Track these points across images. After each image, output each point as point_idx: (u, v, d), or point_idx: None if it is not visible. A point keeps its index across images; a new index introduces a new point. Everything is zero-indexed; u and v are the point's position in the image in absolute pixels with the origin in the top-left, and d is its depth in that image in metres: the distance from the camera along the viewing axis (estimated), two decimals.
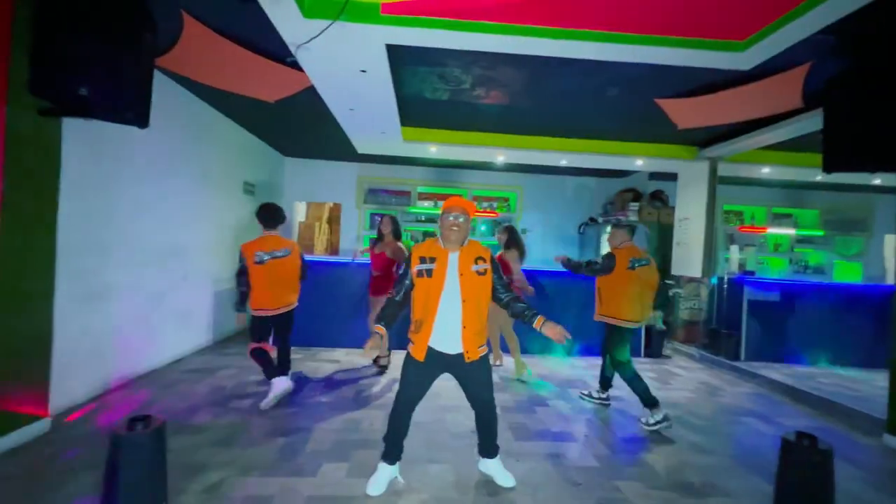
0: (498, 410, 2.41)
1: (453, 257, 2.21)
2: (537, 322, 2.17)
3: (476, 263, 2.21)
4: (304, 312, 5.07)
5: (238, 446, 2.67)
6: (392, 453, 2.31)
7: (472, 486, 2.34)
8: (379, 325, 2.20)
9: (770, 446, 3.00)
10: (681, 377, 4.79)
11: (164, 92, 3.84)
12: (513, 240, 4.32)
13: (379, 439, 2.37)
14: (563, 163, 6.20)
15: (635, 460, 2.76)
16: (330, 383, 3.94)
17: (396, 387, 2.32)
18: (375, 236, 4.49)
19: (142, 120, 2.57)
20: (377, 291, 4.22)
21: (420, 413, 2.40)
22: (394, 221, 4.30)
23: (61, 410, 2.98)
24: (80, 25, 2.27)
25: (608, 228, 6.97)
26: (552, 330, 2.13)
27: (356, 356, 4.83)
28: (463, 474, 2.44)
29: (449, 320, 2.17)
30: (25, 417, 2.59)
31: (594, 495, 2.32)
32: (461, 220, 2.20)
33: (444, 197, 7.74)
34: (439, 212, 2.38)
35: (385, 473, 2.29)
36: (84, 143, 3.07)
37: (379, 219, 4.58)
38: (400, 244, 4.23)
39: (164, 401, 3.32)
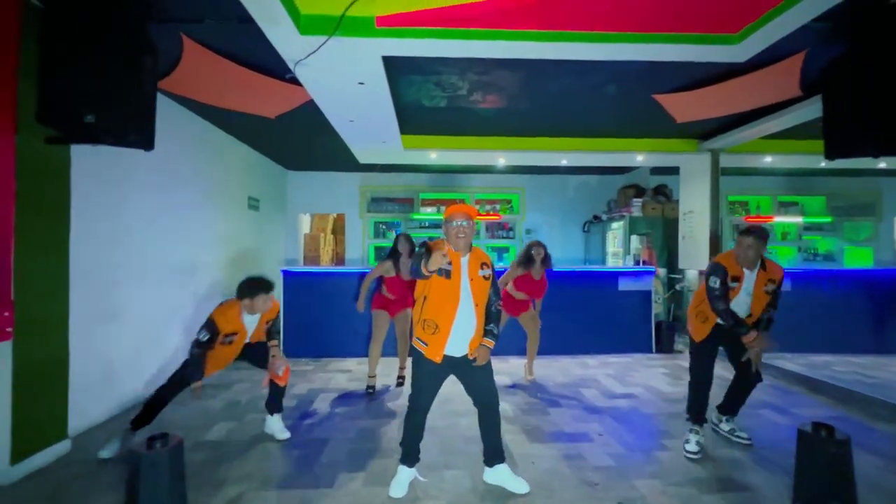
0: (510, 413, 2.42)
1: (464, 262, 2.28)
2: (485, 341, 2.29)
3: (482, 269, 2.28)
4: (314, 324, 5.17)
5: (255, 460, 2.70)
6: (411, 456, 2.36)
7: (489, 491, 2.34)
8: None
9: (787, 438, 2.96)
10: None
11: (167, 113, 3.91)
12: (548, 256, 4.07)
13: (393, 448, 2.38)
14: (564, 162, 6.20)
15: (651, 458, 2.74)
16: (342, 394, 3.96)
17: (407, 395, 2.34)
18: (390, 252, 3.91)
19: (147, 142, 2.61)
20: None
21: (433, 418, 2.42)
22: (409, 240, 3.84)
23: (81, 431, 3.02)
24: (83, 53, 2.31)
25: (612, 226, 7.01)
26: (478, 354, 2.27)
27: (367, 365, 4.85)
28: (479, 479, 2.44)
29: (464, 325, 2.25)
30: (46, 439, 2.63)
31: (611, 495, 2.31)
32: (465, 224, 2.25)
33: (446, 202, 7.77)
34: (442, 217, 2.42)
35: (405, 475, 2.34)
36: (92, 166, 3.13)
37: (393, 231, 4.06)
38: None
39: (181, 417, 3.36)
